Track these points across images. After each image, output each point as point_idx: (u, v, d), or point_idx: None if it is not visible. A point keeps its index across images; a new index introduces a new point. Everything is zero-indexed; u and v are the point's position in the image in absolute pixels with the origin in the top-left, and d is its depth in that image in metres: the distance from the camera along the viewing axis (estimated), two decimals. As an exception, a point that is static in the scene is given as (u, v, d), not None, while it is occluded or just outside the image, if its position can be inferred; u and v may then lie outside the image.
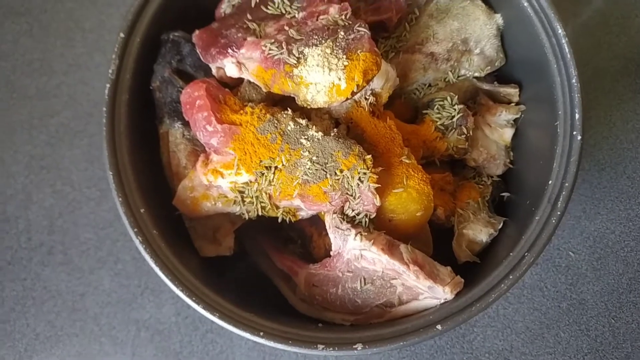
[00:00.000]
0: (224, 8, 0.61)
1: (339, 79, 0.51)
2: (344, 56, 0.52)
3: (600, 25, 0.85)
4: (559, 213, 0.52)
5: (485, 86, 0.65)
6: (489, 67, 0.64)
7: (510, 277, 0.51)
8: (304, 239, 0.64)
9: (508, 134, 0.65)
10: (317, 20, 0.56)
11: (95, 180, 0.80)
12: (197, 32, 0.59)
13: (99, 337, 0.75)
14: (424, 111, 0.63)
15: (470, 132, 0.62)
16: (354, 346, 0.50)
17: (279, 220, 0.58)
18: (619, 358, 0.75)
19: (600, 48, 0.85)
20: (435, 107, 0.62)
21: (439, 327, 0.50)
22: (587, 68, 0.84)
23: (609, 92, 0.83)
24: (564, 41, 0.55)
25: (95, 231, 0.78)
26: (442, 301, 0.53)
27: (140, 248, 0.52)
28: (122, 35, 0.57)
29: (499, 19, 0.63)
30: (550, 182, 0.54)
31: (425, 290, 0.53)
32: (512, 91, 0.64)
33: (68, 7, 0.86)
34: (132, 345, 0.74)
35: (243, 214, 0.58)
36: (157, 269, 0.52)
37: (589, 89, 0.83)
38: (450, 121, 0.61)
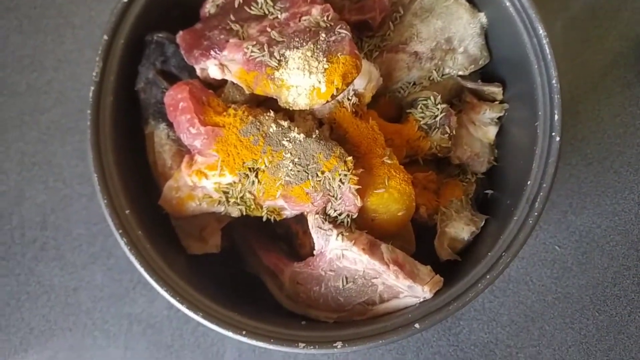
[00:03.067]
0: (209, 8, 0.61)
1: (319, 82, 0.52)
2: (325, 59, 0.52)
3: (590, 18, 0.85)
4: (536, 214, 0.52)
5: (470, 84, 0.65)
6: (473, 66, 0.64)
7: (488, 276, 0.52)
8: (290, 236, 0.65)
9: (492, 131, 0.65)
10: (299, 21, 0.56)
11: (87, 176, 0.81)
12: (180, 33, 0.59)
13: (92, 331, 0.76)
14: (408, 110, 0.63)
15: (454, 132, 0.62)
16: (334, 344, 0.51)
17: (264, 219, 0.59)
18: (602, 350, 0.76)
19: (589, 42, 0.84)
20: (419, 106, 0.62)
21: (417, 325, 0.51)
22: (576, 62, 0.84)
23: (598, 86, 0.83)
24: (544, 42, 0.55)
25: (88, 227, 0.79)
26: (422, 300, 0.54)
27: (125, 249, 0.53)
28: (105, 37, 0.57)
29: (482, 17, 0.63)
30: (529, 182, 0.54)
31: (405, 289, 0.54)
32: (495, 90, 0.64)
33: (58, 3, 0.86)
34: (125, 339, 0.76)
35: (228, 213, 0.58)
36: (142, 270, 0.53)
37: (578, 83, 0.83)
38: (434, 120, 0.62)
